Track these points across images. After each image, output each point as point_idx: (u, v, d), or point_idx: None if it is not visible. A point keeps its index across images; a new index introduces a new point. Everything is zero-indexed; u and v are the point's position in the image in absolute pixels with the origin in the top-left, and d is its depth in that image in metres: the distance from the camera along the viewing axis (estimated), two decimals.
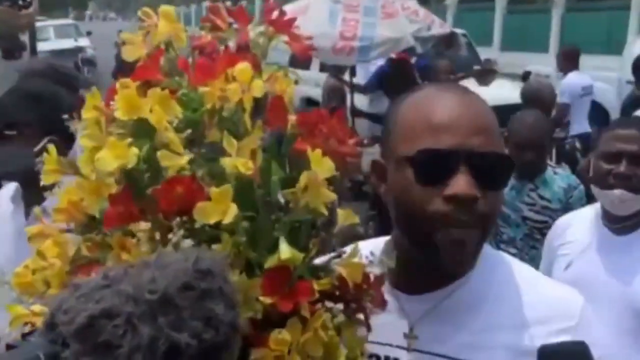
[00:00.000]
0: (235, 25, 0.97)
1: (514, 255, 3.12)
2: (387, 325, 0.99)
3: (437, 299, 1.04)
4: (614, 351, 1.82)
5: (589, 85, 7.19)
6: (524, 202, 3.16)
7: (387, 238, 1.09)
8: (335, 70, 7.80)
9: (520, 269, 1.11)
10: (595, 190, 2.11)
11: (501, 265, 1.09)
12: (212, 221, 0.81)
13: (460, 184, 0.94)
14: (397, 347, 1.03)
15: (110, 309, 0.64)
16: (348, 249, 0.92)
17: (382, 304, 0.93)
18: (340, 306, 0.90)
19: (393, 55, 6.88)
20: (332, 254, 0.91)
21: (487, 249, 1.08)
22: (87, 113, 0.87)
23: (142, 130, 0.82)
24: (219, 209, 0.80)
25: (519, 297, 1.04)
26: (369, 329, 0.93)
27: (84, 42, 21.03)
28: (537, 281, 1.10)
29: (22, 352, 0.66)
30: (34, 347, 0.65)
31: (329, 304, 0.90)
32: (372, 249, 0.99)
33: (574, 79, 7.02)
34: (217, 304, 0.67)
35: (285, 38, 0.98)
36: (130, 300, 0.64)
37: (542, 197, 3.14)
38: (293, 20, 0.99)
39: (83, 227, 0.88)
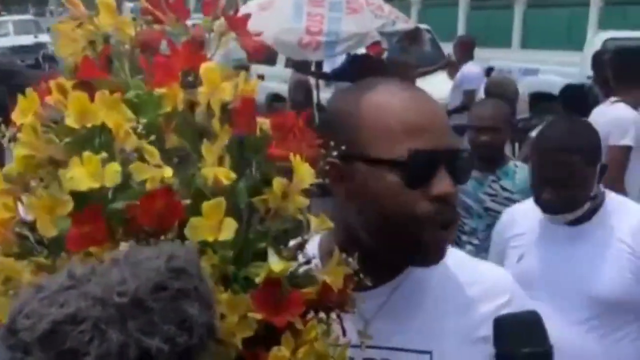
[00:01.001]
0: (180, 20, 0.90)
1: (476, 246, 3.20)
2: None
3: (386, 293, 1.05)
4: (571, 341, 1.81)
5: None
6: (486, 193, 3.21)
7: (317, 238, 1.05)
8: (301, 66, 7.77)
9: (453, 254, 1.12)
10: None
11: None
12: (208, 239, 0.74)
13: (445, 183, 0.96)
14: (352, 346, 1.02)
15: (76, 313, 0.59)
16: (311, 247, 0.90)
17: (354, 306, 0.92)
18: (332, 314, 0.88)
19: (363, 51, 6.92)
20: (302, 261, 0.87)
21: None
22: (22, 118, 0.77)
23: (95, 139, 0.74)
24: (212, 224, 0.74)
25: (457, 281, 1.07)
26: (344, 333, 0.92)
27: (44, 38, 20.62)
28: (469, 264, 1.13)
29: None
30: None
31: (318, 314, 0.87)
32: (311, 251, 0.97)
33: (474, 69, 7.57)
34: (191, 305, 0.63)
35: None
36: (98, 304, 0.60)
37: (504, 188, 3.19)
38: (247, 17, 0.94)
39: (21, 250, 0.78)
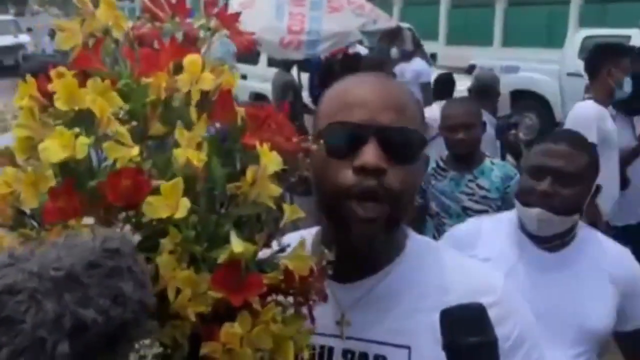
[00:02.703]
0: (177, 18, 0.95)
1: None
2: (321, 314, 1.00)
3: (367, 287, 1.07)
4: None
5: None
6: (463, 192, 3.24)
7: (315, 229, 1.10)
8: (283, 66, 7.78)
9: (445, 254, 1.15)
10: (517, 205, 1.94)
11: (428, 251, 1.12)
12: (162, 216, 0.79)
13: (368, 155, 0.97)
14: (331, 335, 1.05)
15: (13, 285, 0.63)
16: (291, 238, 0.93)
17: (325, 296, 0.94)
18: (290, 299, 0.90)
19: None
20: (276, 248, 0.90)
21: (416, 237, 1.13)
22: (21, 101, 0.83)
23: (83, 122, 0.79)
24: (169, 203, 0.79)
25: (444, 280, 1.07)
26: (313, 321, 0.94)
27: (24, 38, 20.45)
28: (461, 262, 1.13)
29: None
30: None
31: (277, 297, 0.90)
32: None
33: (422, 63, 8.24)
34: (125, 282, 0.67)
35: (227, 32, 0.97)
36: (34, 277, 0.64)
37: (480, 187, 3.21)
38: (237, 14, 0.98)
39: (14, 222, 0.84)
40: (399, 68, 7.82)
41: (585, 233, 1.96)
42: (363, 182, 0.97)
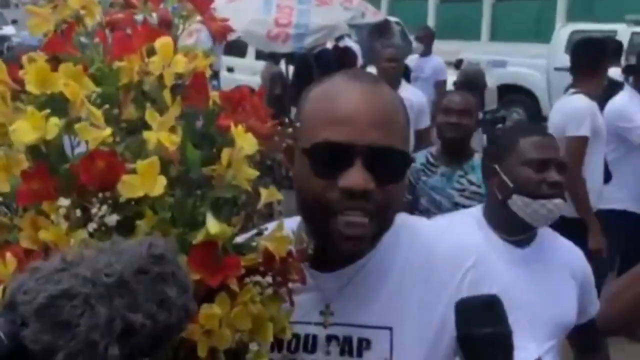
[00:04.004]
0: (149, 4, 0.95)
1: None
2: (305, 303, 1.02)
3: (349, 274, 1.07)
4: None
5: None
6: (454, 188, 3.23)
7: (299, 218, 1.10)
8: (271, 58, 7.76)
9: (422, 227, 1.16)
10: (521, 200, 1.88)
11: (405, 228, 1.11)
12: (139, 195, 0.79)
13: (354, 177, 0.96)
14: (315, 324, 1.05)
15: (69, 290, 0.67)
16: (270, 225, 0.93)
17: (304, 279, 0.95)
18: (269, 279, 0.91)
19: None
20: (254, 231, 0.91)
21: None
22: None
23: (55, 105, 0.79)
24: (146, 182, 0.79)
25: (423, 253, 1.08)
26: (292, 303, 0.95)
27: (9, 30, 20.25)
28: (436, 229, 1.15)
29: None
30: None
31: (256, 278, 0.90)
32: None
33: (440, 60, 7.80)
34: (170, 288, 0.70)
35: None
36: (88, 283, 0.67)
37: (471, 183, 3.21)
38: (211, 0, 0.98)
39: None
40: (418, 63, 7.55)
41: (542, 229, 1.96)
42: (349, 204, 0.97)
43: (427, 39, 7.82)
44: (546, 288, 1.88)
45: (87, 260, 0.69)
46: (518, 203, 1.88)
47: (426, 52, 7.71)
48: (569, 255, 1.94)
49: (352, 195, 0.96)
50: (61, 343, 0.65)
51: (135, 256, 0.70)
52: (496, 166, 1.94)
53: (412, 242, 1.10)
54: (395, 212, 1.05)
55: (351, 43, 8.17)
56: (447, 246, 1.09)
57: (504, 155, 1.93)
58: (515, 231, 1.91)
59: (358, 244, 1.00)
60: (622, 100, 3.98)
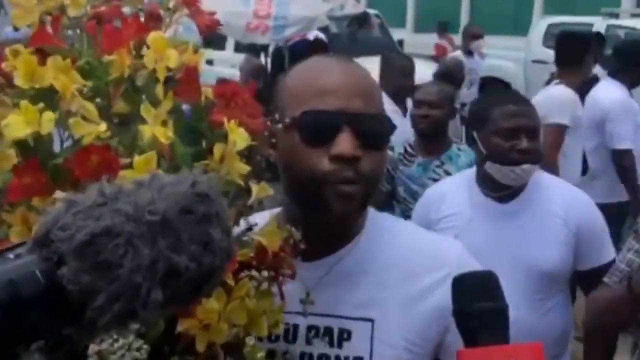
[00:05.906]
0: None
1: None
2: (287, 293, 1.02)
3: (330, 264, 1.09)
4: (515, 317, 1.85)
5: None
6: (431, 178, 3.26)
7: (276, 210, 1.11)
8: (251, 51, 7.72)
9: (403, 227, 1.21)
10: (493, 166, 2.10)
11: (387, 226, 1.15)
12: None
13: (344, 144, 1.00)
14: (295, 313, 1.06)
15: (112, 227, 0.61)
16: (256, 218, 0.93)
17: (294, 273, 0.95)
18: (265, 273, 0.91)
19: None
20: (245, 227, 0.91)
21: (375, 213, 1.16)
22: None
23: (45, 99, 0.78)
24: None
25: (403, 251, 1.11)
26: (282, 297, 0.95)
27: (1, 20, 19.93)
28: (418, 236, 1.19)
29: (13, 268, 0.60)
30: (26, 264, 0.60)
31: (250, 273, 0.91)
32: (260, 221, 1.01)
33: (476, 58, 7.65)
34: (214, 229, 0.64)
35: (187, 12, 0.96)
36: (131, 220, 0.61)
37: (448, 173, 3.24)
38: None
39: None
40: (472, 63, 7.35)
41: (539, 181, 2.14)
42: (340, 171, 1.00)
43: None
44: (523, 239, 2.07)
45: (126, 194, 0.63)
46: (491, 168, 2.11)
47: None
48: (564, 205, 2.10)
49: (342, 162, 1.00)
50: (102, 285, 0.59)
51: (179, 194, 0.64)
52: (474, 134, 2.17)
53: (394, 240, 1.12)
54: (379, 182, 1.10)
55: (320, 34, 8.15)
56: (424, 259, 1.11)
57: (480, 124, 2.15)
58: (495, 189, 2.13)
59: (350, 203, 1.02)
60: (621, 93, 3.93)
